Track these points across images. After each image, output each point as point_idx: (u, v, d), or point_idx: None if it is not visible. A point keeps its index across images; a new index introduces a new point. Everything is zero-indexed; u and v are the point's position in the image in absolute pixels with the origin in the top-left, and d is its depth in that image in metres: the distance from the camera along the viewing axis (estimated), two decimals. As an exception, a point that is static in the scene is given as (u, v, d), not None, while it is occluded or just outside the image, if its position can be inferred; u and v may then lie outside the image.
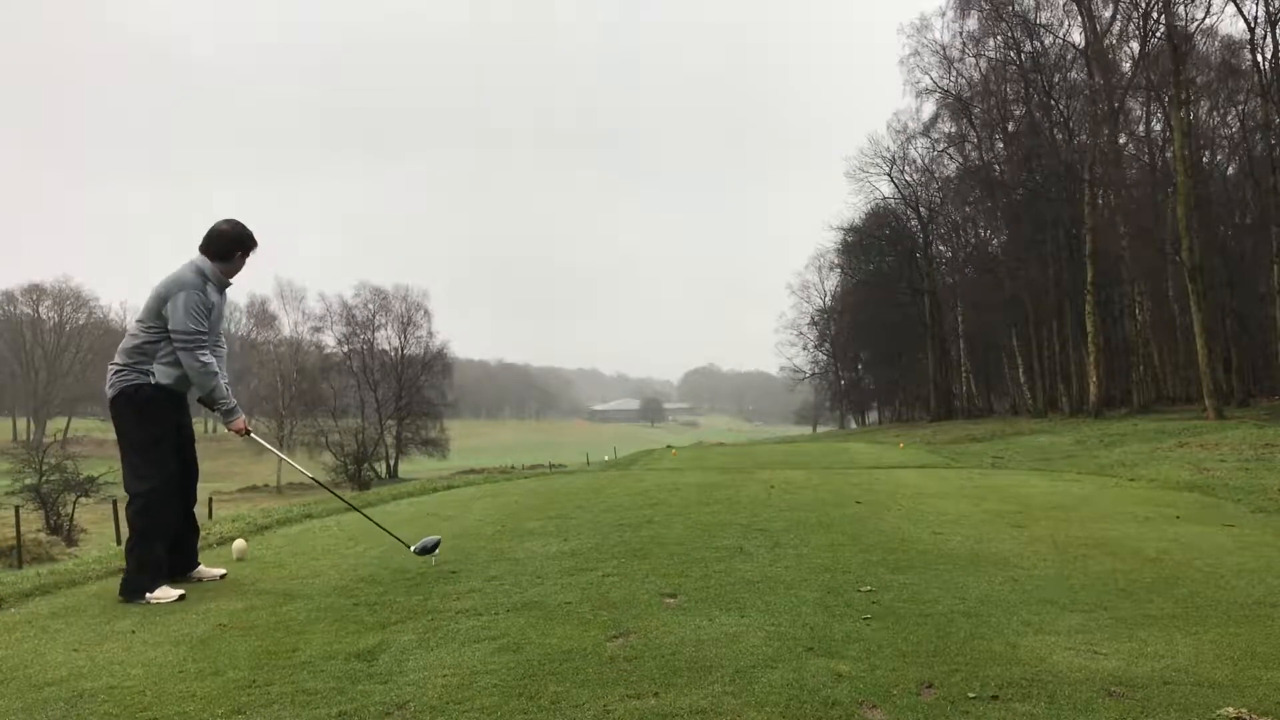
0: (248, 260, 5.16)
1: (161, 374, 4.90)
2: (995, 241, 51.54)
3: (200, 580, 5.13)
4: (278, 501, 21.26)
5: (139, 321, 4.99)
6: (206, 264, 4.99)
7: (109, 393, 4.95)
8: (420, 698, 2.93)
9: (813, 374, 77.87)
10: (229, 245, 5.04)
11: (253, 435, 5.35)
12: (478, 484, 12.42)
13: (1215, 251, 35.71)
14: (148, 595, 4.68)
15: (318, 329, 75.64)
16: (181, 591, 4.76)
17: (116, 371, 4.93)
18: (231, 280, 5.18)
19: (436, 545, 5.24)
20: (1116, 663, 3.12)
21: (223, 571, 5.25)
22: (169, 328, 4.86)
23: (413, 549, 5.23)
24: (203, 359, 4.91)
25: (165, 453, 4.96)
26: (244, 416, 5.23)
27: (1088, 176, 36.34)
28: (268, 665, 3.37)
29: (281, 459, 5.93)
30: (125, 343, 4.97)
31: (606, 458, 43.70)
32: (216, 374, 5.01)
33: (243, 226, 5.10)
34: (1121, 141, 39.83)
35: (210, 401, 5.06)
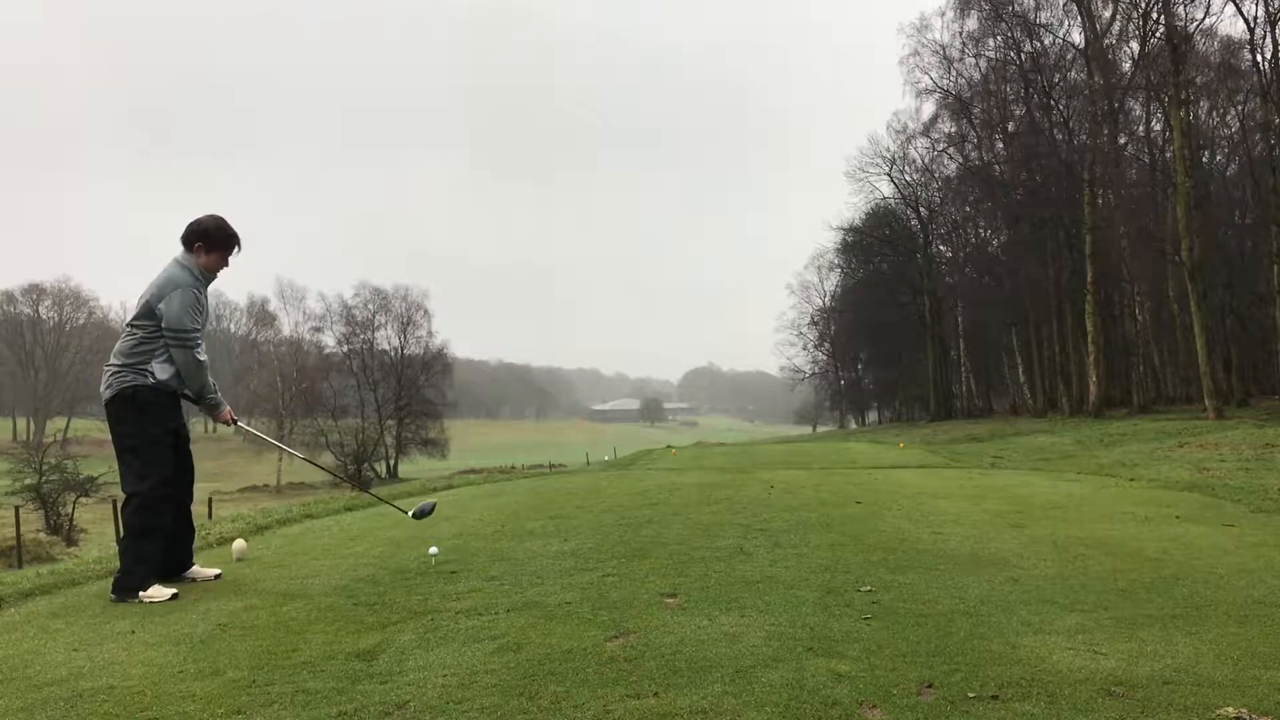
0: (230, 261, 5.17)
1: (160, 371, 4.94)
2: (995, 241, 51.55)
3: (195, 580, 5.13)
4: (277, 501, 21.26)
5: (132, 323, 5.00)
6: (190, 260, 5.00)
7: (105, 394, 4.96)
8: (420, 698, 2.93)
9: (813, 374, 77.86)
10: (209, 240, 5.02)
11: (240, 425, 5.50)
12: (478, 484, 12.43)
13: (1215, 251, 35.70)
14: (140, 594, 4.69)
15: (318, 329, 75.80)
16: (174, 591, 4.76)
17: (114, 373, 4.94)
18: (215, 276, 5.18)
19: (433, 508, 5.27)
20: (1116, 663, 3.12)
21: (217, 572, 5.25)
22: (164, 325, 4.88)
23: (410, 514, 5.24)
24: (199, 356, 5.02)
25: (163, 452, 4.99)
26: (228, 407, 5.37)
27: (1088, 176, 36.34)
28: (268, 665, 3.37)
29: (275, 444, 6.22)
30: (121, 344, 4.98)
31: (606, 458, 43.66)
32: (207, 371, 5.13)
33: (225, 223, 5.10)
34: (1121, 141, 39.79)
35: (198, 397, 5.17)
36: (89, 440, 63.87)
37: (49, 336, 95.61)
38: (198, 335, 4.98)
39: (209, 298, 5.35)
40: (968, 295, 50.81)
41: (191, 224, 5.04)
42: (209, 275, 5.10)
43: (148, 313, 4.92)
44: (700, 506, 7.77)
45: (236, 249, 5.15)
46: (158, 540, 4.90)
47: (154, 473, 4.90)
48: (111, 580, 4.89)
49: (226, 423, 5.38)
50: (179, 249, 5.08)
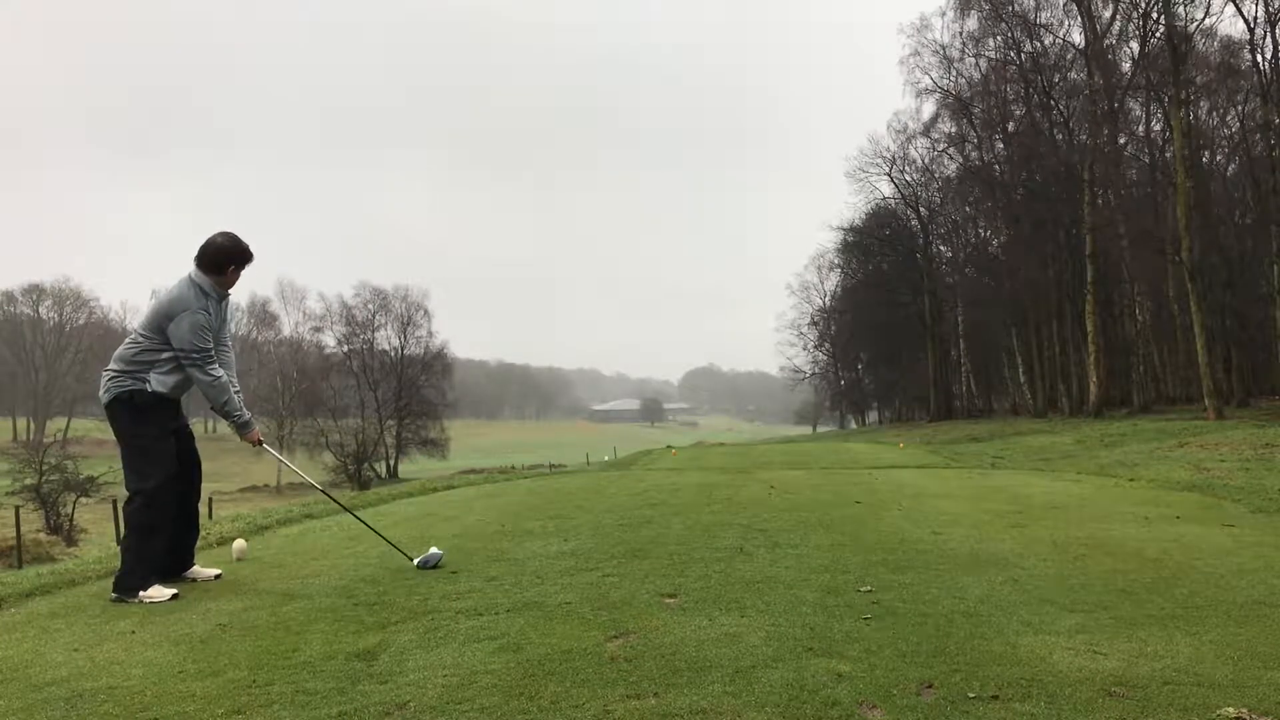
0: (243, 273, 5.18)
1: (158, 383, 4.98)
2: (995, 241, 51.56)
3: (195, 580, 5.14)
4: (277, 501, 21.25)
5: (139, 331, 5.04)
6: (203, 278, 5.02)
7: (103, 397, 5.01)
8: (420, 698, 2.93)
9: (813, 374, 77.87)
10: (224, 258, 5.05)
11: (265, 446, 5.45)
12: (478, 484, 12.43)
13: (1215, 251, 35.71)
14: (140, 594, 4.70)
15: (318, 329, 75.89)
16: (174, 591, 4.78)
17: (112, 377, 4.98)
18: (229, 292, 5.20)
19: (439, 560, 5.22)
20: (1116, 663, 3.12)
21: (218, 572, 5.26)
22: (176, 347, 4.93)
23: (416, 561, 5.22)
24: (213, 373, 5.01)
25: (165, 451, 5.01)
26: (258, 428, 5.35)
27: (1088, 176, 36.36)
28: (268, 665, 3.37)
29: (294, 470, 6.27)
30: (124, 350, 5.01)
31: (606, 458, 43.71)
32: (227, 387, 5.10)
33: (238, 240, 5.12)
34: (1121, 141, 39.80)
35: (224, 414, 5.16)
36: (89, 440, 63.82)
37: (49, 336, 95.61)
38: (210, 354, 5.00)
39: (230, 309, 5.38)
40: (968, 295, 50.81)
41: (205, 244, 5.07)
42: (222, 290, 5.12)
43: (155, 327, 4.95)
44: (700, 507, 7.76)
45: (247, 262, 5.17)
46: (160, 540, 4.92)
47: (157, 472, 4.92)
48: (112, 580, 4.90)
49: (253, 443, 5.34)
50: (185, 258, 5.11)
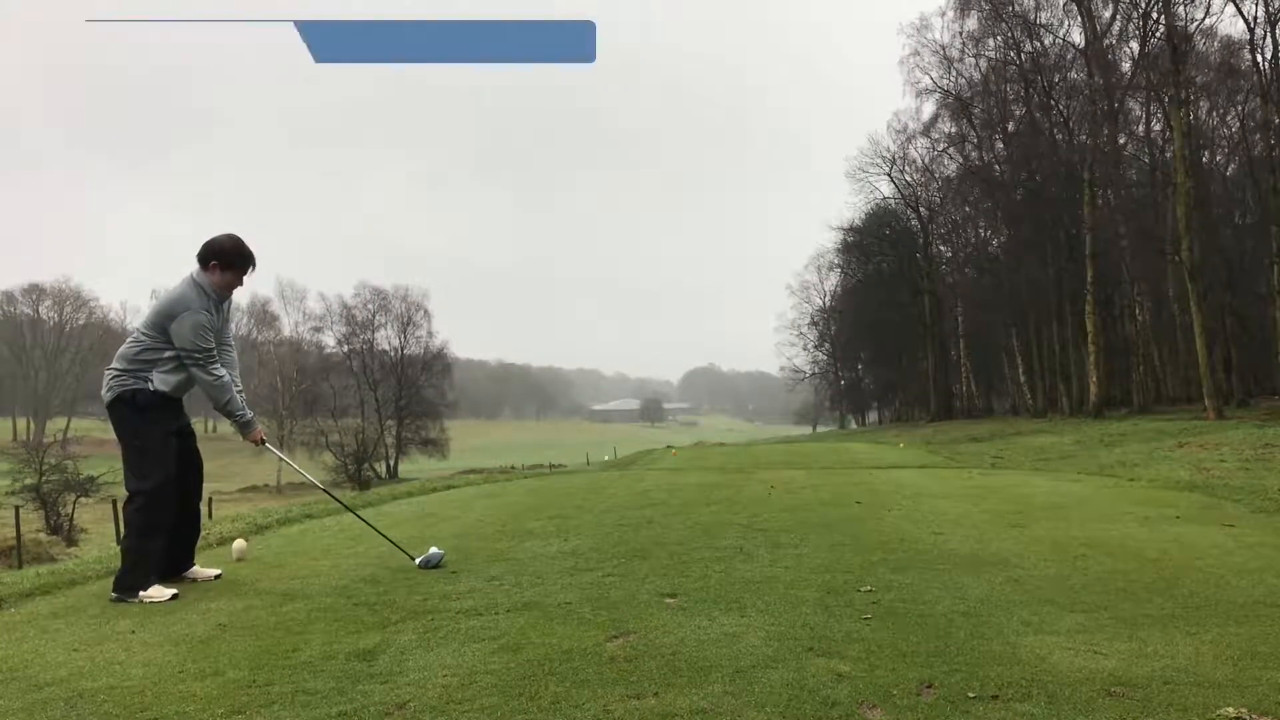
0: (245, 279, 5.17)
1: (160, 381, 4.98)
2: (995, 241, 51.58)
3: (195, 580, 5.14)
4: (278, 501, 21.25)
5: (141, 330, 5.05)
6: (205, 279, 5.02)
7: (106, 396, 5.01)
8: (420, 698, 2.93)
9: (813, 374, 77.91)
10: (225, 260, 5.04)
11: (267, 446, 5.47)
12: (478, 484, 12.43)
13: (1215, 251, 35.70)
14: (140, 594, 4.69)
15: (318, 329, 75.84)
16: (174, 591, 4.78)
17: (115, 376, 4.98)
18: (230, 293, 5.19)
19: (440, 559, 5.23)
20: (1116, 663, 3.12)
21: (218, 572, 5.26)
22: (178, 347, 4.93)
23: (417, 561, 5.22)
24: (215, 372, 5.03)
25: (165, 452, 5.01)
26: (261, 427, 5.37)
27: (1088, 176, 36.36)
28: (268, 665, 3.37)
29: (295, 468, 6.29)
30: (126, 349, 5.02)
31: (606, 458, 43.75)
32: (229, 387, 5.11)
33: (241, 243, 5.11)
34: (1121, 141, 39.80)
35: (226, 413, 5.17)
36: (89, 440, 63.79)
37: (49, 336, 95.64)
38: (212, 353, 5.01)
39: (231, 310, 5.38)
40: (968, 295, 50.84)
41: (207, 243, 5.06)
42: (223, 293, 5.12)
43: (158, 326, 4.95)
44: (700, 506, 7.77)
45: (251, 269, 5.17)
46: (159, 540, 4.92)
47: (156, 472, 4.92)
48: (112, 580, 4.90)
49: (255, 443, 5.36)
50: (185, 258, 5.12)
